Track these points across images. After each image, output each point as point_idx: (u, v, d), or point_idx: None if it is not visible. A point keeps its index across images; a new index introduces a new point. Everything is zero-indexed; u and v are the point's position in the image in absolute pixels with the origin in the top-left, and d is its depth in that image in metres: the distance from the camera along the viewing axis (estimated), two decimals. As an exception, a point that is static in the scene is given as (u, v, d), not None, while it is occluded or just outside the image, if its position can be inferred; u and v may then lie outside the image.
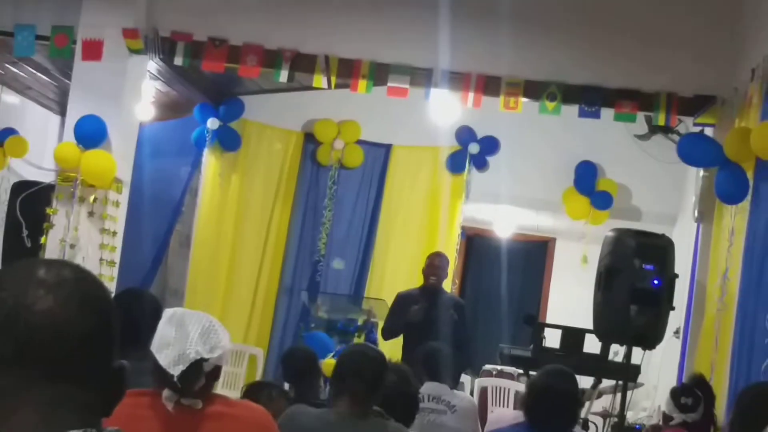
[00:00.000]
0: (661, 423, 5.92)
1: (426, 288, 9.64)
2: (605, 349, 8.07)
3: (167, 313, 3.65)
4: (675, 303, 7.34)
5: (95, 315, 1.59)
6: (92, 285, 1.64)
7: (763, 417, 3.18)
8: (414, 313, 9.29)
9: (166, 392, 3.53)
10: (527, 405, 4.91)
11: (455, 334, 9.45)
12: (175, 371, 3.47)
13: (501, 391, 10.24)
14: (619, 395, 7.31)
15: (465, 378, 11.01)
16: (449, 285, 11.14)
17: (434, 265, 9.72)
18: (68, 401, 1.56)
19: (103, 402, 1.62)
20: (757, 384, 5.45)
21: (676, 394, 5.62)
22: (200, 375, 3.52)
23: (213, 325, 3.59)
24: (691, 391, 5.61)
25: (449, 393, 6.90)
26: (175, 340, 3.51)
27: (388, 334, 9.66)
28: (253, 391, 5.76)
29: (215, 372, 3.61)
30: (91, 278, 1.65)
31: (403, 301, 9.61)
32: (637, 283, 6.99)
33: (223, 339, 3.59)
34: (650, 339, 7.18)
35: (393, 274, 11.77)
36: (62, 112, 10.19)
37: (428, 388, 6.59)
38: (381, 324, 10.23)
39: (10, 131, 10.55)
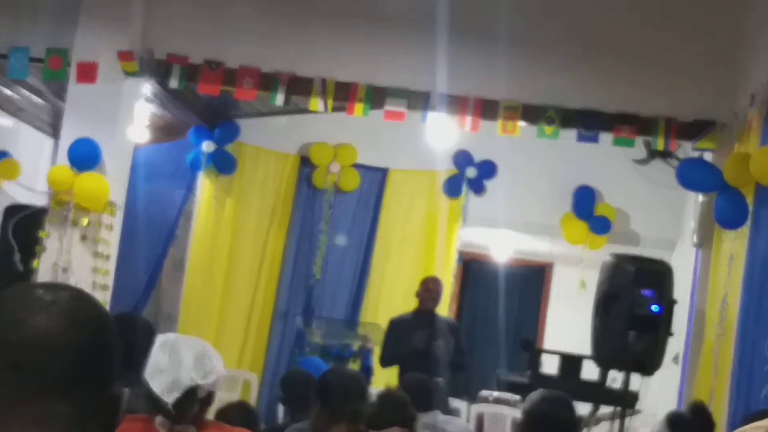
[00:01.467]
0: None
1: (420, 313, 9.58)
2: (603, 376, 8.03)
3: (160, 338, 3.62)
4: (674, 329, 7.29)
5: (89, 335, 1.60)
6: (88, 306, 1.64)
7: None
8: (416, 340, 9.21)
9: (159, 418, 3.48)
10: (523, 430, 4.85)
11: (452, 359, 9.40)
12: (169, 398, 3.43)
13: (497, 417, 10.15)
14: (617, 422, 7.25)
15: (461, 404, 10.93)
16: (446, 310, 11.07)
17: (429, 289, 9.68)
18: (58, 418, 1.55)
19: (99, 425, 1.61)
20: (757, 411, 5.38)
21: (677, 428, 5.53)
22: (194, 401, 3.49)
23: (206, 350, 3.57)
24: (690, 425, 5.54)
25: (444, 420, 6.83)
26: (168, 366, 3.48)
27: (387, 363, 9.54)
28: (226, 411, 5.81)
29: (209, 398, 3.59)
30: (88, 300, 1.66)
31: (398, 327, 9.54)
32: (635, 309, 6.94)
33: (217, 365, 3.57)
34: (649, 365, 7.14)
35: (389, 299, 11.70)
36: (56, 135, 10.15)
37: (422, 415, 6.51)
38: (377, 349, 10.16)
39: (3, 154, 10.53)
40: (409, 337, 9.28)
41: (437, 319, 9.67)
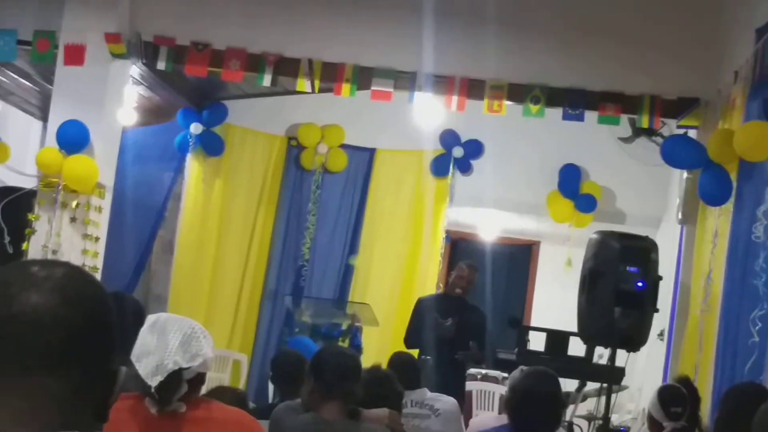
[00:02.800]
0: (647, 427, 5.89)
1: (449, 298, 9.54)
2: (590, 352, 8.06)
3: (150, 319, 3.61)
4: (659, 305, 7.31)
5: (81, 312, 1.60)
6: (83, 283, 1.65)
7: (748, 417, 3.17)
8: (447, 329, 9.18)
9: (148, 398, 3.50)
10: (510, 407, 4.90)
11: (474, 353, 9.41)
12: (153, 382, 3.44)
13: (486, 394, 10.22)
14: (603, 398, 7.30)
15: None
16: (433, 289, 11.13)
17: (461, 276, 9.59)
18: (47, 394, 1.57)
19: (93, 402, 1.62)
20: (741, 384, 5.45)
21: (665, 402, 5.59)
22: (180, 384, 3.49)
23: (195, 332, 3.55)
24: (682, 399, 5.60)
25: (432, 397, 6.87)
26: (155, 349, 3.47)
27: (411, 345, 9.35)
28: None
29: (199, 378, 3.57)
30: (83, 277, 1.66)
31: (425, 309, 9.46)
32: (621, 286, 6.96)
33: (205, 347, 3.55)
34: (634, 341, 7.16)
35: (377, 279, 11.77)
36: (44, 118, 10.15)
37: (410, 393, 6.56)
38: (365, 328, 10.22)
39: (-9, 137, 10.50)
40: (435, 322, 9.24)
41: (466, 306, 9.61)
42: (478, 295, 10.38)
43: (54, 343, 1.56)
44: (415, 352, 8.90)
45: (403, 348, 8.88)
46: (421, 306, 9.58)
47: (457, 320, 9.23)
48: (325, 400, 4.53)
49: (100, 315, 1.64)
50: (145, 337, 3.52)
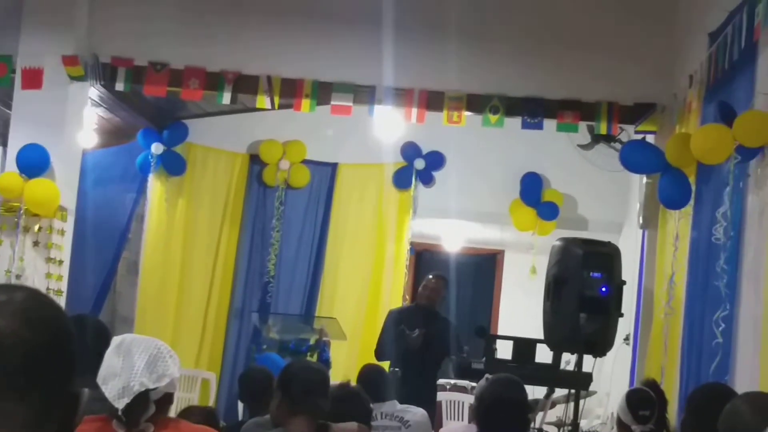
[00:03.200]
0: (616, 431, 5.93)
1: (419, 309, 9.58)
2: (557, 359, 8.11)
3: (115, 341, 3.60)
4: (623, 310, 7.38)
5: (42, 335, 1.60)
6: (44, 307, 1.64)
7: (714, 418, 3.20)
8: (414, 340, 9.20)
9: (115, 420, 3.49)
10: (478, 416, 4.93)
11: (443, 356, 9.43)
12: (120, 404, 3.43)
13: (455, 404, 10.25)
14: (572, 404, 7.33)
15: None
16: (399, 301, 11.14)
17: (428, 287, 9.63)
18: (9, 418, 1.56)
19: (56, 425, 1.62)
20: (707, 384, 5.50)
21: (633, 405, 5.62)
22: (147, 406, 3.48)
23: (161, 352, 3.54)
24: (649, 402, 5.63)
25: (402, 409, 6.87)
26: (121, 370, 3.46)
27: (382, 357, 9.38)
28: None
29: (166, 398, 3.57)
30: (44, 301, 1.66)
31: (395, 320, 9.47)
32: (585, 292, 7.01)
33: (171, 366, 3.54)
34: (600, 346, 7.22)
35: (343, 293, 11.76)
36: (3, 143, 10.08)
37: (380, 405, 6.57)
38: (333, 342, 10.21)
39: (-50, 163, 10.43)
40: (402, 333, 9.24)
41: (436, 316, 9.63)
42: (444, 305, 10.41)
43: (17, 366, 1.56)
44: (386, 364, 8.93)
45: (371, 360, 8.88)
46: (391, 318, 9.61)
47: (425, 331, 9.25)
48: (293, 414, 4.52)
49: (62, 338, 1.64)
50: (110, 359, 3.51)
